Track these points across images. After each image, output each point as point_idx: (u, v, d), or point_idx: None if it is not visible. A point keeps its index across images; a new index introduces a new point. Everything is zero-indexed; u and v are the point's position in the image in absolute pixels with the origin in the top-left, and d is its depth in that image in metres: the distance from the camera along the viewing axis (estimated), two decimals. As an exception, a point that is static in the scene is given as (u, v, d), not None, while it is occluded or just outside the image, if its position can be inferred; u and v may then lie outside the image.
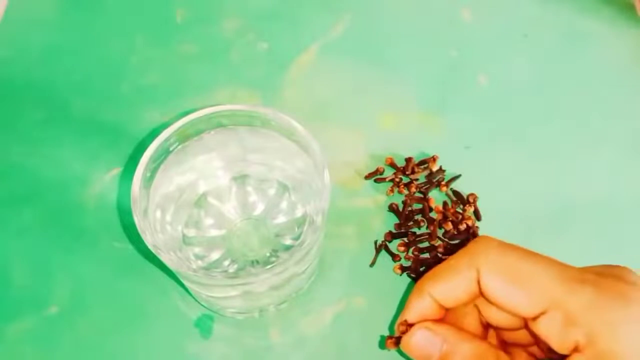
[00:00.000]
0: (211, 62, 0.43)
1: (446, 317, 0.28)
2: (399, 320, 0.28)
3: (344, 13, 0.46)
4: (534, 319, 0.25)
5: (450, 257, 0.28)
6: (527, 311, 0.25)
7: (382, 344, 0.34)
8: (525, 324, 0.27)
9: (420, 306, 0.28)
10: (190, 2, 0.46)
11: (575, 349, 0.24)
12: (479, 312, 0.29)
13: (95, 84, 0.42)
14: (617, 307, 0.24)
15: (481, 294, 0.26)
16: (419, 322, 0.27)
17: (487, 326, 0.29)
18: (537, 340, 0.28)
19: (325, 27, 0.45)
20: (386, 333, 0.34)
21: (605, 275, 0.25)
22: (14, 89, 0.42)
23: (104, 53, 0.44)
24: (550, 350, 0.27)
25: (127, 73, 0.43)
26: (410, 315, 0.28)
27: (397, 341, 0.28)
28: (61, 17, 0.45)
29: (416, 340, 0.27)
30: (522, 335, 0.29)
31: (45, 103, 0.41)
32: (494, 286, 0.26)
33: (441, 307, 0.28)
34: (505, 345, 0.30)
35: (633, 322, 0.23)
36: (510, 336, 0.29)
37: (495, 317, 0.28)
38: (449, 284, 0.27)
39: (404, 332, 0.28)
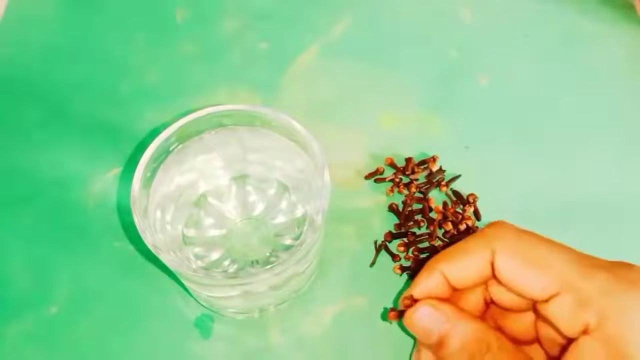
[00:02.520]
0: (211, 62, 0.43)
1: (450, 295, 0.29)
2: (404, 294, 0.28)
3: (344, 13, 0.46)
4: (546, 301, 0.25)
5: (465, 239, 0.28)
6: (540, 293, 0.25)
7: (385, 316, 0.34)
8: (533, 307, 0.27)
9: (429, 283, 0.28)
10: (190, 2, 0.46)
11: (585, 331, 0.24)
12: (486, 289, 0.29)
13: (95, 84, 0.42)
14: (631, 295, 0.24)
15: (493, 275, 0.27)
16: (424, 298, 0.28)
17: (489, 304, 0.30)
18: (538, 336, 0.28)
19: (325, 27, 0.45)
20: (386, 332, 0.34)
21: (619, 264, 0.25)
22: (14, 88, 0.42)
23: (104, 53, 0.44)
24: (551, 347, 0.27)
25: (127, 73, 0.43)
26: (417, 291, 0.28)
27: (400, 314, 0.28)
28: (61, 17, 0.45)
29: (419, 316, 0.27)
30: (524, 327, 0.29)
31: (45, 103, 0.41)
32: (509, 267, 0.26)
33: (449, 286, 0.28)
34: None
35: None
36: (511, 332, 0.29)
37: (503, 297, 0.28)
38: (462, 263, 0.27)
39: (408, 307, 0.28)
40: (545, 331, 0.28)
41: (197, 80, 0.43)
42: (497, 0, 0.46)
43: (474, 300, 0.29)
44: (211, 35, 0.45)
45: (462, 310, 0.27)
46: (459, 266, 0.27)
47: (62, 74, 0.43)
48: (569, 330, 0.25)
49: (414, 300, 0.28)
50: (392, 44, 0.44)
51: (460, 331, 0.26)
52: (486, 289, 0.29)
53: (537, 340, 0.29)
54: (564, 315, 0.25)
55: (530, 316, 0.29)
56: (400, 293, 0.36)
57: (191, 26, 0.45)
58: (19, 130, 0.41)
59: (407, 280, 0.36)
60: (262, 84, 0.42)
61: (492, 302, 0.29)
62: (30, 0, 0.46)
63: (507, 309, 0.29)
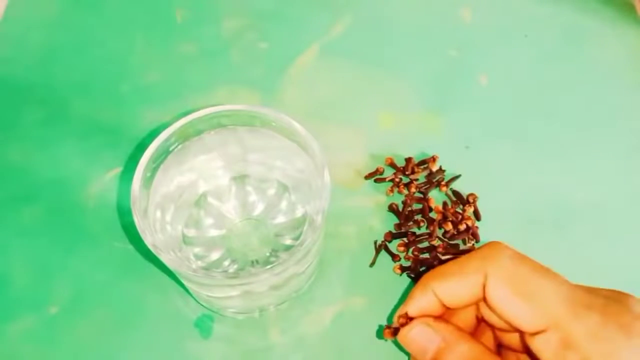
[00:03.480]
0: (211, 62, 0.43)
1: (443, 312, 0.28)
2: (399, 312, 0.28)
3: (344, 13, 0.46)
4: (532, 334, 0.25)
5: (461, 257, 0.28)
6: (527, 326, 0.25)
7: (380, 333, 0.34)
8: (521, 334, 0.27)
9: (422, 301, 0.28)
10: (190, 2, 0.46)
11: None
12: (477, 308, 0.29)
13: (95, 84, 0.42)
14: (619, 339, 0.23)
15: (484, 299, 0.26)
16: (419, 316, 0.27)
17: (481, 321, 0.29)
18: (528, 350, 0.28)
19: (325, 27, 0.45)
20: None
21: (614, 301, 0.25)
22: (14, 88, 0.42)
23: (104, 53, 0.44)
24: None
25: (127, 73, 0.43)
26: (411, 308, 0.28)
27: (395, 332, 0.28)
28: (61, 17, 0.45)
29: (414, 334, 0.27)
30: (515, 341, 0.29)
31: (45, 103, 0.41)
32: (498, 295, 0.25)
33: (442, 305, 0.28)
34: (498, 348, 0.30)
35: (632, 355, 0.23)
36: (504, 339, 0.29)
37: (493, 318, 0.28)
38: (454, 284, 0.27)
39: (403, 325, 0.28)
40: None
41: (197, 80, 0.43)
42: (497, 0, 0.46)
43: (466, 317, 0.29)
44: (211, 35, 0.45)
45: (458, 329, 0.27)
46: (451, 287, 0.27)
47: (62, 74, 0.43)
48: None
49: (409, 318, 0.28)
50: (392, 44, 0.44)
51: (456, 352, 0.26)
52: (477, 308, 0.29)
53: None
54: (548, 353, 0.24)
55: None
56: (400, 295, 0.36)
57: (191, 26, 0.45)
58: (19, 130, 0.41)
59: (410, 283, 0.36)
60: (262, 84, 0.42)
61: (483, 320, 0.29)
62: (30, 0, 0.46)
63: (498, 329, 0.29)
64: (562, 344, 0.24)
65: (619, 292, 0.25)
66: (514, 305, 0.25)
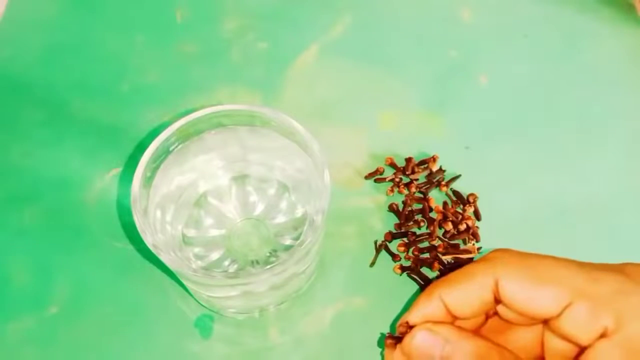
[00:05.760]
0: (211, 61, 0.43)
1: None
2: (400, 321, 0.28)
3: (344, 13, 0.46)
4: (559, 315, 0.24)
5: (464, 267, 0.27)
6: (551, 309, 0.25)
7: (382, 342, 0.34)
8: (546, 325, 0.27)
9: (428, 309, 0.27)
10: (190, 2, 0.46)
11: (602, 335, 0.23)
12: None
13: (95, 84, 0.42)
14: None
15: (497, 301, 0.26)
16: (420, 323, 0.27)
17: (487, 318, 0.29)
18: (544, 350, 0.28)
19: (325, 27, 0.45)
20: (386, 333, 0.34)
21: (625, 265, 0.25)
22: (14, 88, 0.42)
23: (104, 53, 0.44)
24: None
25: (127, 73, 0.43)
26: (414, 317, 0.27)
27: (397, 341, 0.28)
28: (61, 17, 0.45)
29: (417, 342, 0.26)
30: (525, 347, 0.28)
31: (45, 103, 0.41)
32: (514, 290, 0.25)
33: (448, 313, 0.27)
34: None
35: None
36: (513, 349, 0.28)
37: (510, 315, 0.27)
38: (463, 290, 0.26)
39: (403, 333, 0.27)
40: (553, 345, 0.27)
41: (197, 80, 0.43)
42: (497, 0, 0.46)
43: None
44: (211, 35, 0.45)
45: (460, 328, 0.26)
46: (459, 293, 0.26)
47: (62, 74, 0.43)
48: (587, 338, 0.24)
49: (410, 327, 0.27)
50: (392, 44, 0.44)
51: (462, 351, 0.25)
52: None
53: (541, 357, 0.28)
54: (580, 324, 0.24)
55: (534, 331, 0.28)
56: (400, 295, 0.36)
57: (191, 26, 0.45)
58: (19, 130, 0.41)
59: (410, 283, 0.36)
60: (262, 84, 0.42)
61: (493, 315, 0.28)
62: (30, 0, 0.46)
63: (512, 324, 0.28)
64: (592, 311, 0.24)
65: (628, 262, 0.25)
66: (532, 293, 0.25)
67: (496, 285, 0.26)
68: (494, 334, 0.29)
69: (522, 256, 0.26)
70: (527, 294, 0.25)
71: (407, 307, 0.35)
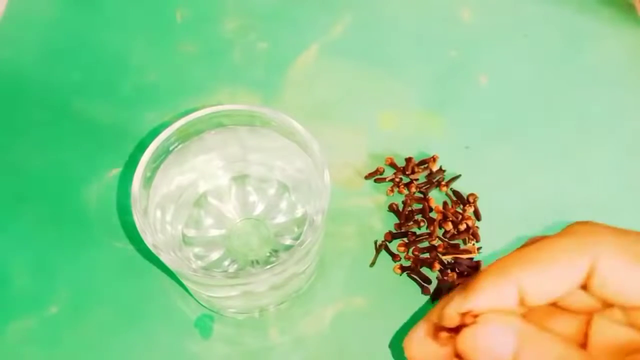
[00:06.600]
0: (211, 61, 0.43)
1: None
2: (457, 308, 0.21)
3: (344, 13, 0.46)
4: None
5: (537, 243, 0.22)
6: None
7: (396, 345, 0.34)
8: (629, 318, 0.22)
9: (496, 295, 0.21)
10: (190, 2, 0.46)
11: None
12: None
13: (95, 84, 0.42)
14: None
15: (584, 288, 0.21)
16: (484, 312, 0.21)
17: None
18: (587, 342, 0.23)
19: (325, 27, 0.45)
20: (386, 333, 0.34)
21: None
22: (14, 88, 0.42)
23: (104, 53, 0.44)
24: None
25: (127, 73, 0.43)
26: (481, 303, 0.21)
27: (453, 333, 0.21)
28: (61, 17, 0.45)
29: (485, 337, 0.20)
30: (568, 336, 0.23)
31: (45, 103, 0.41)
32: (615, 273, 0.20)
33: (519, 302, 0.21)
34: None
35: None
36: None
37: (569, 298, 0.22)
38: (547, 272, 0.21)
39: (464, 325, 0.20)
40: (605, 336, 0.22)
41: (197, 80, 0.43)
42: (497, 0, 0.46)
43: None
44: (211, 35, 0.45)
45: (535, 324, 0.21)
46: (542, 277, 0.21)
47: (62, 74, 0.43)
48: None
49: (475, 316, 0.20)
50: (392, 44, 0.44)
51: (539, 353, 0.20)
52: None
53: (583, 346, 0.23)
54: None
55: (580, 320, 0.23)
56: (400, 295, 0.36)
57: (191, 26, 0.45)
58: (19, 130, 0.41)
59: (410, 283, 0.36)
60: (262, 84, 0.42)
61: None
62: (30, 0, 0.46)
63: (563, 310, 0.23)
64: None
65: None
66: (635, 275, 0.20)
67: (592, 266, 0.21)
68: (537, 322, 0.22)
69: (615, 231, 0.22)
70: (628, 276, 0.20)
71: (407, 307, 0.35)
